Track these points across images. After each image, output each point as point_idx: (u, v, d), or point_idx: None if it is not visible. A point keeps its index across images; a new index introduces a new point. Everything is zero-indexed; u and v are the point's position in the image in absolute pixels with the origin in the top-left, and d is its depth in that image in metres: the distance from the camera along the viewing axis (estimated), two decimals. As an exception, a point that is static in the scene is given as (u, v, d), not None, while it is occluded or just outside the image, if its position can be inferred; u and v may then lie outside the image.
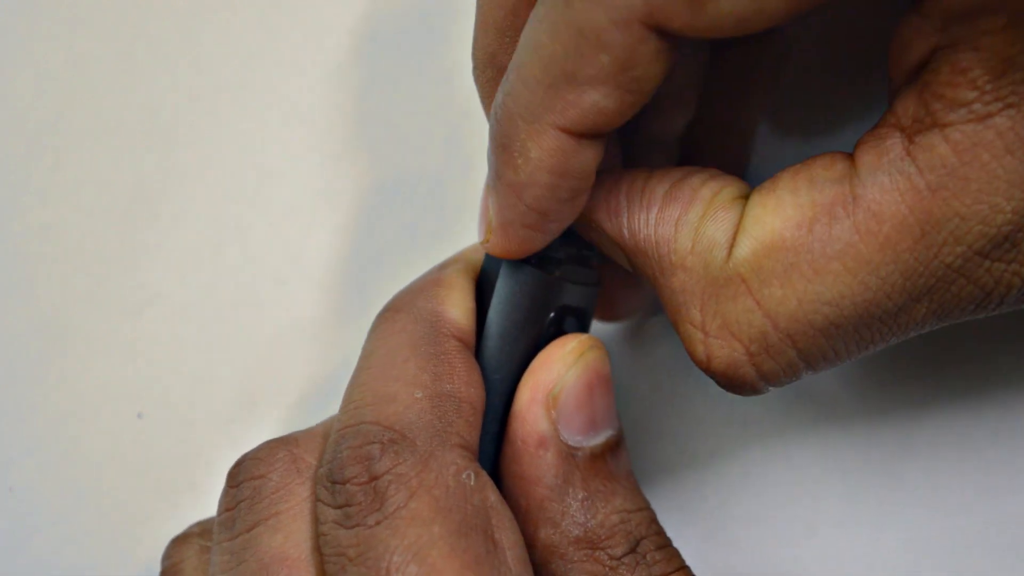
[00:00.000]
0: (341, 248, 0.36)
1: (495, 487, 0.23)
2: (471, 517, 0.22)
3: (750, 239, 0.21)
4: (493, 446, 0.25)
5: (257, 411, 0.36)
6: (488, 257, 0.26)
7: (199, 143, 0.37)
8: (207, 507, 0.34)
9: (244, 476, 0.24)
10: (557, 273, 0.25)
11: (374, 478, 0.21)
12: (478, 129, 0.34)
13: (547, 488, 0.23)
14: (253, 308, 0.36)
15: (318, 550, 0.22)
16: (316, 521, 0.22)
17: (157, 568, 0.34)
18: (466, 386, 0.24)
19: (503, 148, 0.22)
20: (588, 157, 0.22)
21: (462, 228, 0.35)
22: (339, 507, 0.22)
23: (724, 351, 0.22)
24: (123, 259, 0.37)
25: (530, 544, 0.24)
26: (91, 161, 0.38)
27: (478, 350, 0.25)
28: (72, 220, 0.38)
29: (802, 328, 0.21)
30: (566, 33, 0.20)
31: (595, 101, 0.20)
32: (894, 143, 0.20)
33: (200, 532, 0.27)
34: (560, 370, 0.24)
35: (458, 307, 0.25)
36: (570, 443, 0.24)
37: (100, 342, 0.37)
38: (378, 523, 0.21)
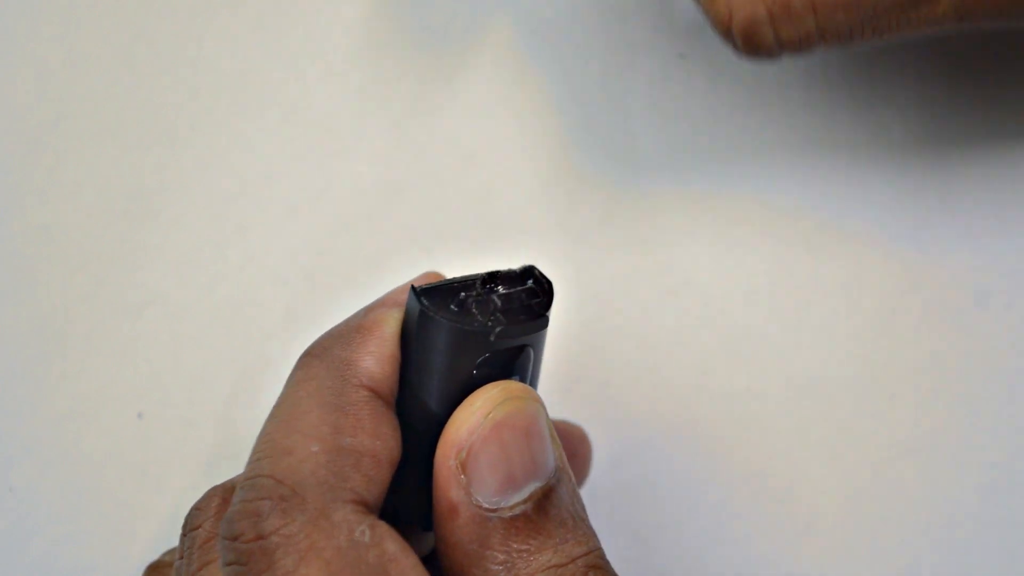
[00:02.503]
0: (341, 248, 0.36)
1: (395, 535, 0.22)
2: None
3: None
4: (423, 501, 0.23)
5: (257, 412, 0.35)
6: (409, 300, 0.24)
7: (199, 143, 0.37)
8: (207, 507, 0.33)
9: (187, 526, 0.24)
10: (481, 321, 0.23)
11: (260, 537, 0.21)
12: (478, 129, 0.34)
13: (464, 555, 0.22)
14: (253, 308, 0.36)
15: None
16: None
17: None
18: (371, 439, 0.22)
19: None
20: None
21: (462, 228, 0.35)
22: (229, 564, 0.21)
23: (746, 8, 0.23)
24: (123, 259, 0.37)
25: None
26: (91, 161, 0.38)
27: (402, 400, 0.24)
28: (72, 220, 0.38)
29: None
30: None
31: None
32: None
33: (169, 562, 0.27)
34: (465, 435, 0.22)
35: (373, 355, 0.24)
36: (485, 505, 0.22)
37: (100, 342, 0.37)
38: None
